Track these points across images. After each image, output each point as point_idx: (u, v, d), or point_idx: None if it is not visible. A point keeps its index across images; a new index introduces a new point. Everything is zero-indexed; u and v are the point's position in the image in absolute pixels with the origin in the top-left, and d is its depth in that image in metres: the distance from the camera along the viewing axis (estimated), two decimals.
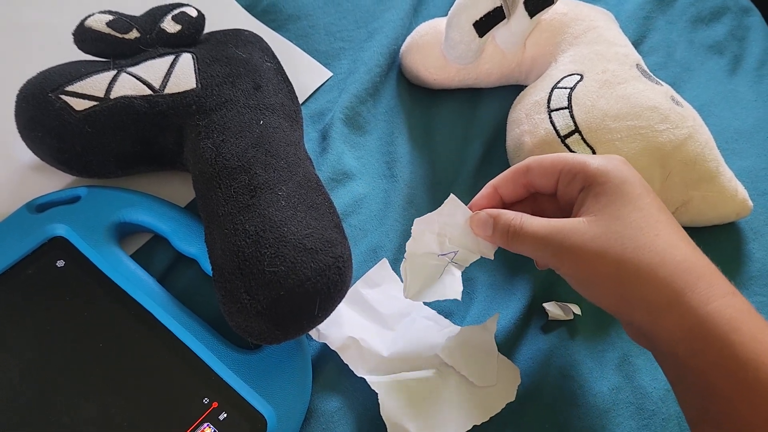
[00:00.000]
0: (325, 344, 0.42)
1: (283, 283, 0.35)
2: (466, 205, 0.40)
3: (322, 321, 0.38)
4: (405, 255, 0.40)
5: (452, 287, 0.39)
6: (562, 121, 0.46)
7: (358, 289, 0.43)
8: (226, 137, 0.41)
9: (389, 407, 0.39)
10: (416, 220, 0.40)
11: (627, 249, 0.34)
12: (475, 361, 0.41)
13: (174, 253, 0.44)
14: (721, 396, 0.32)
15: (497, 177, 0.41)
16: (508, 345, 0.43)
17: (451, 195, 0.40)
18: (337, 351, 0.41)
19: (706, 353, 0.32)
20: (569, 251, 0.36)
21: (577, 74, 0.48)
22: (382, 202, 0.48)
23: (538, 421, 0.41)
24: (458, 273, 0.40)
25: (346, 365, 0.40)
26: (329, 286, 0.36)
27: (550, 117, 0.47)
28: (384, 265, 0.44)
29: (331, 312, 0.38)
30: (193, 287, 0.43)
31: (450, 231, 0.40)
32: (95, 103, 0.41)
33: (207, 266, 0.42)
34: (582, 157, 0.38)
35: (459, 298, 0.39)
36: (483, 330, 0.42)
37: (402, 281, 0.40)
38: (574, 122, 0.46)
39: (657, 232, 0.35)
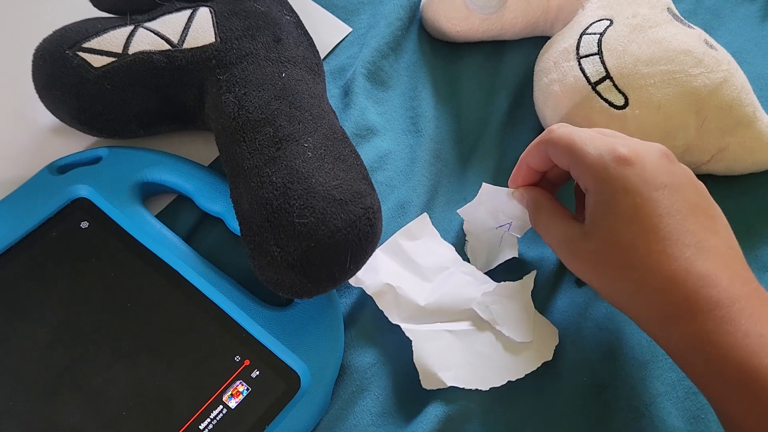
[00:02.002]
0: (356, 300, 0.41)
1: (313, 234, 0.34)
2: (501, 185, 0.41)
3: (354, 274, 0.37)
4: (466, 237, 0.44)
5: (510, 250, 0.43)
6: (593, 67, 0.45)
7: (396, 239, 0.42)
8: (248, 90, 0.39)
9: (423, 355, 0.38)
10: (459, 211, 0.43)
11: (617, 266, 0.34)
12: (511, 317, 0.40)
13: (198, 212, 0.43)
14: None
15: (526, 150, 0.39)
16: (543, 298, 0.42)
17: (483, 184, 0.41)
18: (372, 296, 0.40)
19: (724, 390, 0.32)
20: (572, 260, 0.36)
21: (607, 19, 0.47)
22: (408, 157, 0.47)
23: (576, 374, 0.40)
24: (515, 239, 0.43)
25: (379, 320, 0.40)
26: (360, 238, 0.35)
27: (580, 64, 0.45)
28: (424, 219, 0.43)
29: (363, 264, 0.37)
30: (219, 246, 0.42)
31: (499, 207, 0.42)
32: (113, 59, 0.40)
33: (233, 224, 0.41)
34: (586, 154, 0.35)
35: (516, 255, 0.42)
36: (519, 286, 0.41)
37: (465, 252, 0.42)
38: (605, 68, 0.44)
39: (650, 248, 0.33)
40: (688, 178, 0.35)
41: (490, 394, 0.38)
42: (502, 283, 0.41)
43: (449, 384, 0.37)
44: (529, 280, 0.41)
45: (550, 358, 0.39)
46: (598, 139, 0.35)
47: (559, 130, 0.37)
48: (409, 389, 0.39)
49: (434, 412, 0.37)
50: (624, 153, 0.34)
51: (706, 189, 0.36)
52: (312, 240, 0.34)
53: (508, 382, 0.38)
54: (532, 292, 0.41)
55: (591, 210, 0.35)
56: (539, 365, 0.39)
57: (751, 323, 0.31)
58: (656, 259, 0.32)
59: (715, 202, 0.36)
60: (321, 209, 0.35)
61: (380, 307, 0.40)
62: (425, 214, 0.43)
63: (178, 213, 0.43)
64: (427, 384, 0.38)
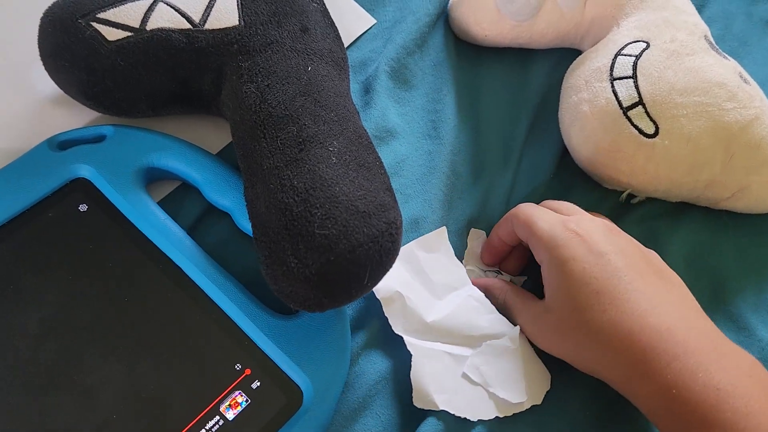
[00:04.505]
0: (362, 308, 0.40)
1: (334, 247, 0.32)
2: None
3: (370, 290, 0.35)
4: (463, 262, 0.44)
5: None
6: (626, 91, 0.43)
7: (413, 248, 0.41)
8: (272, 82, 0.37)
9: (420, 372, 0.37)
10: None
11: (578, 332, 0.36)
12: (503, 377, 0.38)
13: (203, 204, 0.41)
14: None
15: (498, 223, 0.43)
16: None
17: (470, 232, 0.45)
18: (381, 301, 0.39)
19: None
20: (539, 335, 0.38)
21: (643, 41, 0.45)
22: (426, 165, 0.45)
23: (576, 404, 0.39)
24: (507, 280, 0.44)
25: (385, 332, 0.38)
26: (381, 254, 0.33)
27: (613, 86, 0.44)
28: (442, 233, 0.42)
29: (379, 281, 0.35)
30: (224, 243, 0.40)
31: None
32: (129, 33, 0.37)
33: (242, 222, 0.39)
34: (539, 228, 0.38)
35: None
36: (509, 343, 0.39)
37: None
38: (639, 93, 0.43)
39: (603, 308, 0.35)
40: (633, 245, 0.38)
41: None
42: (490, 342, 0.39)
43: (441, 407, 0.37)
44: (514, 336, 0.39)
45: (539, 403, 0.38)
46: (551, 217, 0.39)
47: (522, 207, 0.41)
48: (411, 409, 0.37)
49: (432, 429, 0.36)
50: (572, 227, 0.37)
51: (656, 255, 0.39)
52: (332, 253, 0.32)
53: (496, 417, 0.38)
54: None
55: (546, 282, 0.38)
56: (527, 407, 0.38)
57: (708, 377, 0.32)
58: (611, 317, 0.35)
59: (666, 265, 0.39)
60: (343, 221, 0.33)
61: (386, 314, 0.39)
62: (444, 228, 0.42)
63: (182, 202, 0.41)
64: (418, 402, 0.37)
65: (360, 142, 0.37)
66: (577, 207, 0.41)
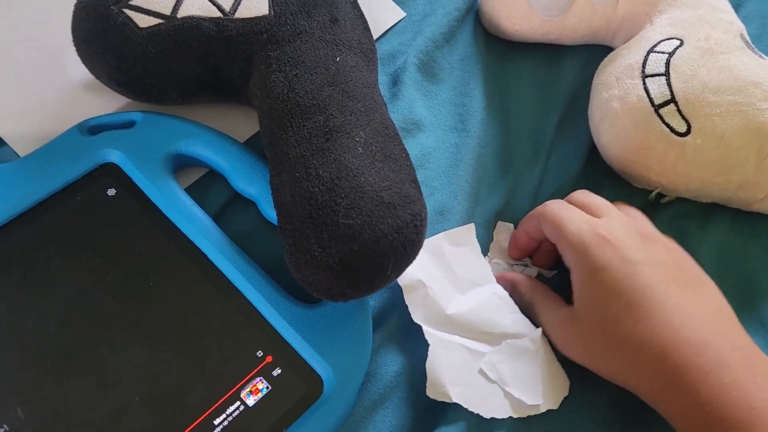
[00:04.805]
0: (385, 300, 0.40)
1: (358, 237, 0.32)
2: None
3: (393, 281, 0.35)
4: (488, 254, 0.43)
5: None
6: (658, 88, 0.42)
7: (439, 240, 0.41)
8: (300, 72, 0.37)
9: (436, 363, 0.37)
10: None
11: (607, 343, 0.35)
12: (520, 378, 0.38)
13: (229, 192, 0.41)
14: None
15: (524, 218, 0.42)
16: None
17: (497, 225, 0.44)
18: (402, 288, 0.38)
19: None
20: (564, 343, 0.37)
21: (677, 38, 0.44)
22: (452, 158, 0.44)
23: (595, 411, 0.38)
24: (533, 275, 0.43)
25: (407, 325, 0.38)
26: (405, 245, 0.33)
27: (644, 83, 0.43)
28: (470, 229, 0.41)
29: (402, 272, 0.35)
30: (248, 231, 0.40)
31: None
32: (161, 20, 0.37)
33: (267, 210, 0.39)
34: (569, 233, 0.37)
35: None
36: (528, 344, 0.38)
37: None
38: (671, 91, 0.42)
39: (635, 320, 0.34)
40: (667, 252, 0.37)
41: (508, 422, 0.37)
42: (510, 341, 0.38)
43: (454, 400, 0.36)
44: (535, 338, 0.39)
45: (556, 408, 0.38)
46: (581, 220, 0.37)
47: (550, 206, 0.39)
48: (430, 403, 0.37)
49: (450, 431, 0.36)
50: (602, 233, 0.36)
51: (691, 259, 0.38)
52: (356, 243, 0.32)
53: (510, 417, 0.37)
54: None
55: (576, 288, 0.36)
56: (543, 411, 0.37)
57: (742, 394, 0.31)
58: (642, 330, 0.33)
59: (702, 271, 0.37)
60: (368, 211, 0.33)
61: (406, 301, 0.38)
62: (472, 224, 0.41)
63: (208, 190, 0.41)
64: (431, 393, 0.36)
65: (386, 134, 0.37)
66: (609, 203, 0.40)
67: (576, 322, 0.36)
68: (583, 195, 0.41)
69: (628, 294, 0.34)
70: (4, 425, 0.31)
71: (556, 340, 0.38)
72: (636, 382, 0.35)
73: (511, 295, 0.40)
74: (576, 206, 0.39)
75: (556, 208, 0.39)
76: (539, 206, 0.40)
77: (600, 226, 0.37)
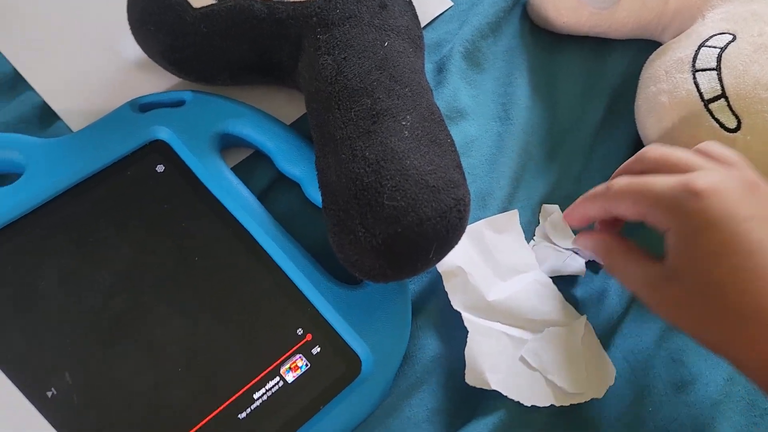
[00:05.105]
0: (425, 285, 0.40)
1: (402, 219, 0.32)
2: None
3: (434, 265, 0.35)
4: (534, 238, 0.43)
5: (578, 267, 0.41)
6: (708, 83, 0.42)
7: (481, 227, 0.41)
8: (348, 55, 0.37)
9: (475, 350, 0.37)
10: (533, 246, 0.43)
11: (711, 310, 0.30)
12: (562, 366, 0.37)
13: (273, 173, 0.42)
14: None
15: (580, 203, 0.37)
16: (616, 322, 0.40)
17: (542, 208, 0.44)
18: (442, 274, 0.38)
19: None
20: (659, 305, 0.33)
21: (729, 33, 0.44)
22: (495, 146, 0.44)
23: (640, 402, 0.38)
24: (582, 260, 0.41)
25: (446, 311, 0.38)
26: (449, 230, 0.33)
27: (694, 77, 0.42)
28: (514, 215, 0.41)
29: (444, 256, 0.35)
30: (292, 212, 0.41)
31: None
32: (214, 1, 0.38)
33: (311, 191, 0.39)
34: (658, 195, 0.32)
35: (583, 274, 0.41)
36: (570, 332, 0.38)
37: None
38: (722, 86, 0.41)
39: (744, 287, 0.29)
40: None
41: (550, 410, 0.37)
42: (553, 328, 0.38)
43: (493, 387, 0.36)
44: (579, 325, 0.38)
45: (600, 397, 0.37)
46: (670, 179, 0.32)
47: (621, 181, 0.34)
48: (468, 390, 0.37)
49: (491, 420, 0.36)
50: (700, 186, 0.31)
51: None
52: (399, 225, 0.32)
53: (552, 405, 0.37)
54: (600, 320, 0.39)
55: (672, 250, 0.32)
56: (587, 400, 0.37)
57: None
58: (753, 298, 0.29)
59: None
60: (413, 194, 0.33)
61: (446, 288, 0.38)
62: (515, 211, 0.41)
63: (253, 171, 0.42)
64: (470, 379, 0.36)
65: (432, 119, 0.37)
66: (695, 154, 0.34)
67: (672, 282, 0.32)
68: (660, 152, 0.35)
69: (736, 258, 0.30)
70: (53, 388, 0.32)
71: (647, 300, 0.33)
72: (743, 357, 0.30)
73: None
74: (652, 170, 0.34)
75: (626, 181, 0.34)
76: (600, 188, 0.36)
77: (696, 181, 0.31)
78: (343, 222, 0.33)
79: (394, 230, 0.32)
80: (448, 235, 0.34)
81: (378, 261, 0.33)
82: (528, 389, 0.37)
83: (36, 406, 0.32)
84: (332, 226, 0.34)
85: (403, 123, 0.35)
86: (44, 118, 0.41)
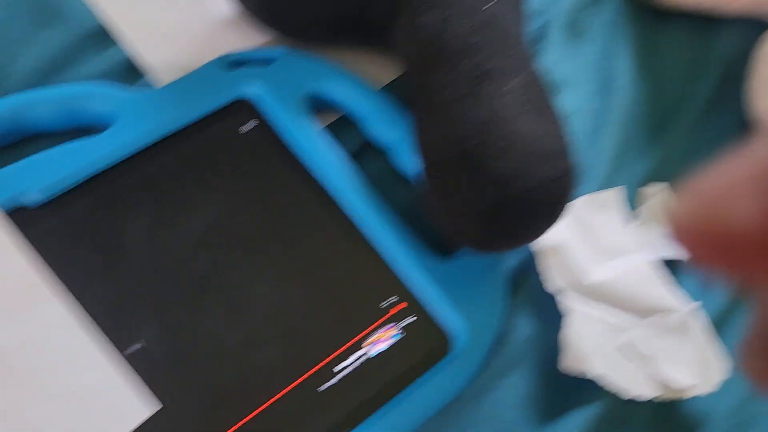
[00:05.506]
0: (521, 263, 0.38)
1: (510, 184, 0.30)
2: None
3: (538, 237, 0.33)
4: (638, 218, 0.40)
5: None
6: None
7: (581, 204, 0.38)
8: (449, 15, 0.35)
9: (572, 335, 0.34)
10: None
11: None
12: (675, 355, 0.34)
13: (358, 141, 0.40)
14: None
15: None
16: (728, 310, 0.38)
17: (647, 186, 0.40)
18: (537, 253, 0.36)
19: None
20: None
21: None
22: (594, 121, 0.42)
23: (753, 399, 0.35)
24: None
25: (542, 291, 0.36)
26: (556, 199, 0.31)
27: None
28: (617, 192, 0.39)
29: (550, 227, 0.33)
30: (377, 181, 0.39)
31: None
32: None
33: (402, 158, 0.37)
34: None
35: None
36: (680, 321, 0.35)
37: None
38: None
39: None
40: None
41: (652, 405, 0.34)
42: (659, 315, 0.35)
43: (590, 376, 0.34)
44: (690, 313, 0.35)
45: (712, 391, 0.34)
46: None
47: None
48: (562, 377, 0.35)
49: (588, 412, 0.34)
50: None
51: None
52: (507, 190, 0.30)
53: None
54: (713, 308, 0.36)
55: None
56: (695, 395, 0.34)
57: None
58: None
59: None
60: (521, 159, 0.31)
61: (542, 268, 0.36)
62: (622, 187, 0.39)
63: (336, 137, 0.40)
64: (565, 366, 0.34)
65: (537, 85, 0.34)
66: None
67: None
68: None
69: None
70: (143, 340, 0.31)
71: None
72: None
73: None
74: None
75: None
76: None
77: None
78: (446, 187, 0.31)
79: (501, 196, 0.30)
80: (554, 205, 0.31)
81: (481, 227, 0.31)
82: (629, 380, 0.34)
83: (126, 358, 0.31)
84: (434, 192, 0.32)
85: (509, 86, 0.33)
86: (128, 74, 0.40)
